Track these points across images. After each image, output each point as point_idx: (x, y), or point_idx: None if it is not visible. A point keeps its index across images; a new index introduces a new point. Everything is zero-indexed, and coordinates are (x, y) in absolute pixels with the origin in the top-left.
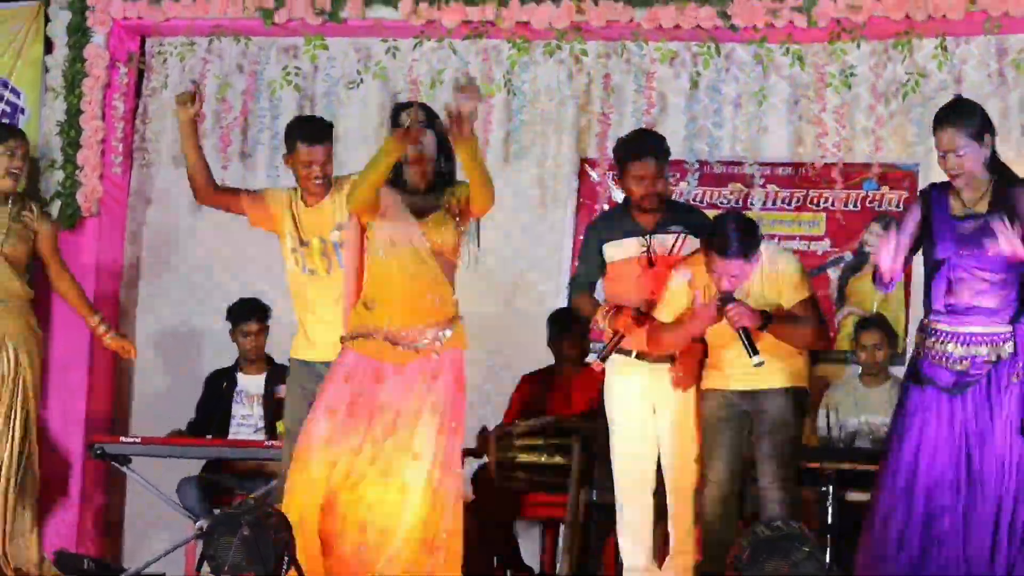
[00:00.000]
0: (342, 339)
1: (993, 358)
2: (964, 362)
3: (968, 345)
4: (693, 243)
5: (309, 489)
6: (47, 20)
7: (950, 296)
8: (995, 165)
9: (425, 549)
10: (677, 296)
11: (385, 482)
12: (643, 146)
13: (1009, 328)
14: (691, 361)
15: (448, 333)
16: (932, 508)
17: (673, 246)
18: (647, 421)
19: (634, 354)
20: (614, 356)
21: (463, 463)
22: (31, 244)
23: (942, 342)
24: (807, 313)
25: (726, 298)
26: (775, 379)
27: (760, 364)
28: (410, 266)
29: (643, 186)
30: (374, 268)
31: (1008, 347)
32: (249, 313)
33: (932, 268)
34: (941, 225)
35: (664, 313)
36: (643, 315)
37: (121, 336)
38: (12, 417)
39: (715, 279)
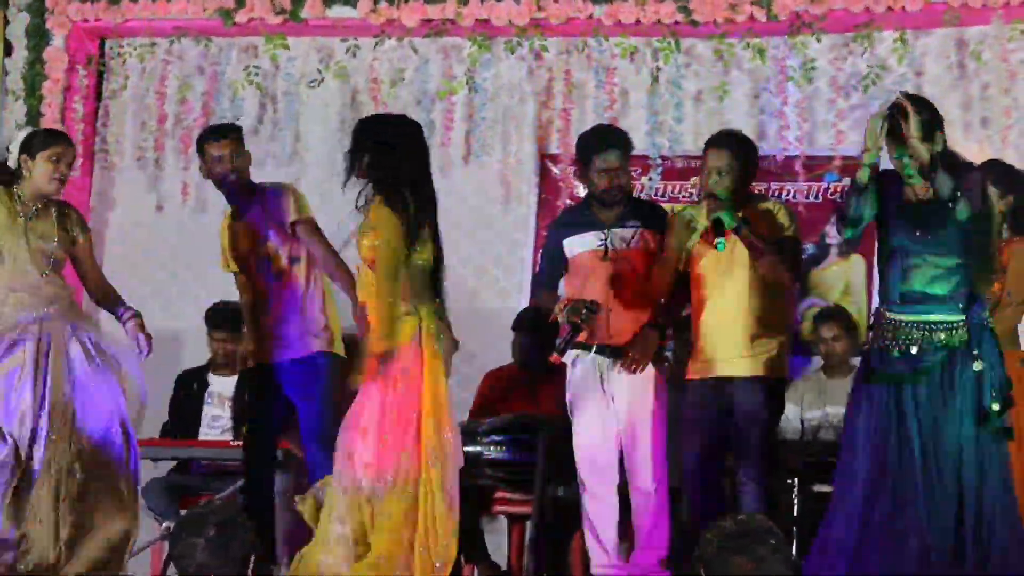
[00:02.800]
0: None
1: (947, 346)
2: (919, 350)
3: (924, 332)
4: (652, 238)
5: None
6: (6, 23)
7: (905, 284)
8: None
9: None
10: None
11: None
12: (608, 139)
13: (962, 316)
14: (644, 346)
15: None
16: (888, 504)
17: (631, 240)
18: (607, 414)
19: (593, 348)
20: (573, 350)
21: None
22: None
23: (897, 331)
24: (785, 248)
25: (707, 193)
26: (753, 367)
27: (721, 247)
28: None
29: (607, 179)
30: None
31: (962, 334)
32: (223, 321)
33: (886, 256)
34: (895, 211)
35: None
36: (598, 308)
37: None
38: (73, 416)
39: (703, 180)
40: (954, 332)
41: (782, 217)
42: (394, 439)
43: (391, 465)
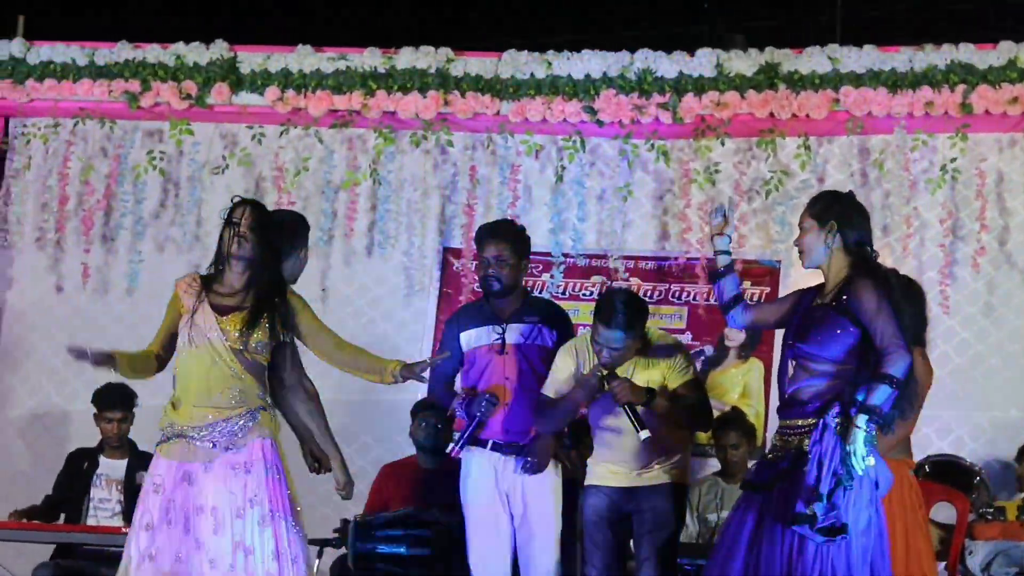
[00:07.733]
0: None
1: (798, 451)
2: (778, 455)
3: (785, 437)
4: (549, 335)
5: None
6: None
7: (784, 385)
8: (856, 261)
9: None
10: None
11: None
12: (490, 230)
13: (814, 420)
14: (542, 446)
15: (250, 424)
16: None
17: (528, 336)
18: (500, 512)
19: (489, 444)
20: (469, 447)
21: (321, 553)
22: None
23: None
24: (691, 393)
25: (610, 375)
26: (657, 476)
27: (648, 439)
28: (206, 361)
29: (484, 268)
30: (179, 365)
31: (810, 439)
32: (115, 401)
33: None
34: (797, 313)
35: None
36: (497, 401)
37: None
38: None
39: (596, 351)
40: (806, 436)
41: (680, 360)
42: None
43: None
